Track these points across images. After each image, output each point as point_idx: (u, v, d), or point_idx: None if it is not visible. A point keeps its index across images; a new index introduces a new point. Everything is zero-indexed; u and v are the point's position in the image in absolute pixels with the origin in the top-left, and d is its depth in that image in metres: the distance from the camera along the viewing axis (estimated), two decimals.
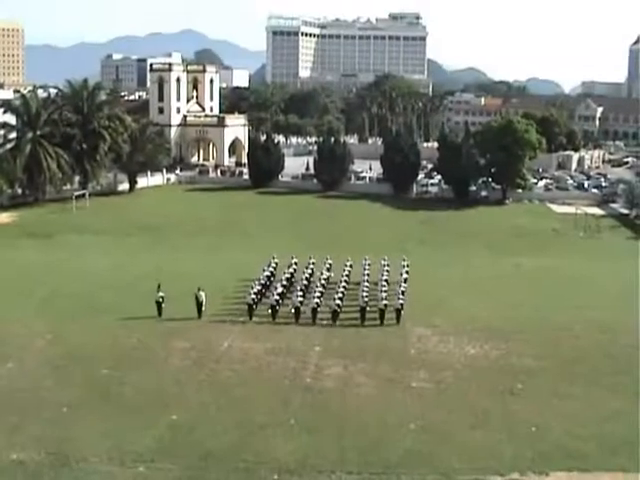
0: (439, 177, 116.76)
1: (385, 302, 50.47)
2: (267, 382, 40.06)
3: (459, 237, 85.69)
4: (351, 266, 59.97)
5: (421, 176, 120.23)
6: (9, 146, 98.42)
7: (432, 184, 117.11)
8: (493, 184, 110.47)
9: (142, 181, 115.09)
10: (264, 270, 58.26)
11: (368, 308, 50.28)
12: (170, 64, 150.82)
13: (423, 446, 33.37)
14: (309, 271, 59.05)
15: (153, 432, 34.28)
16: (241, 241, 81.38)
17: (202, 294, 50.44)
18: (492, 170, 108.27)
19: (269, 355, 43.61)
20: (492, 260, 74.45)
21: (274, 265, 60.16)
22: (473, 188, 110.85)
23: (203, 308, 50.26)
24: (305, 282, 56.41)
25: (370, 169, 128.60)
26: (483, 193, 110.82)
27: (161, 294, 50.23)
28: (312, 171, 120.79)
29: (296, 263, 60.62)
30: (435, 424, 35.61)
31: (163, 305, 50.05)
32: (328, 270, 59.34)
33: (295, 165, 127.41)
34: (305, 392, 39.06)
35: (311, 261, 60.64)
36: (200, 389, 39.46)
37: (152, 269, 64.37)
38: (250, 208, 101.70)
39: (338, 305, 50.57)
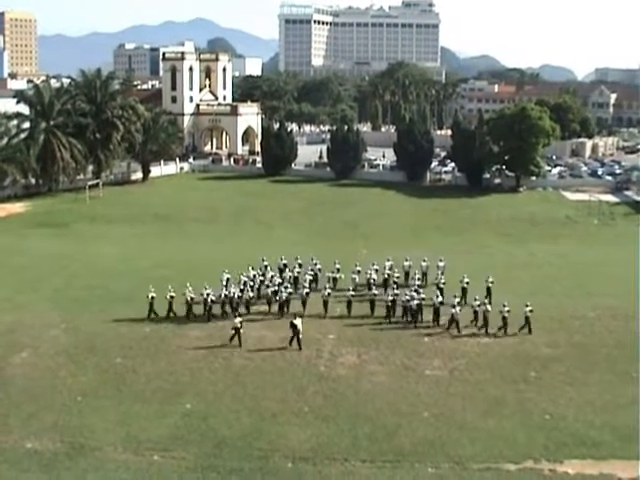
0: (452, 164, 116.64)
1: (439, 299, 48.06)
2: (281, 370, 40.05)
3: (473, 225, 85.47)
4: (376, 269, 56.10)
5: (434, 164, 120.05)
6: (23, 136, 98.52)
7: (446, 172, 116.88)
8: (507, 171, 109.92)
9: (155, 170, 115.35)
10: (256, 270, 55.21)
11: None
12: (183, 53, 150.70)
13: (436, 434, 33.34)
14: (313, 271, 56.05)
15: (167, 421, 34.39)
16: (254, 229, 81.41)
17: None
18: (506, 157, 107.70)
19: (283, 343, 43.54)
20: (506, 247, 74.24)
21: (264, 266, 56.30)
22: (487, 175, 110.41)
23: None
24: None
25: (383, 157, 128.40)
26: (497, 180, 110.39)
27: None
28: (325, 159, 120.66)
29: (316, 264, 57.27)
30: (449, 412, 35.56)
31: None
32: (338, 271, 56.05)
33: (308, 153, 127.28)
34: (319, 380, 39.04)
35: (315, 262, 57.53)
36: (214, 378, 39.48)
37: (165, 258, 64.59)
38: (263, 196, 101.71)
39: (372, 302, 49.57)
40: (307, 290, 50.56)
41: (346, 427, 33.98)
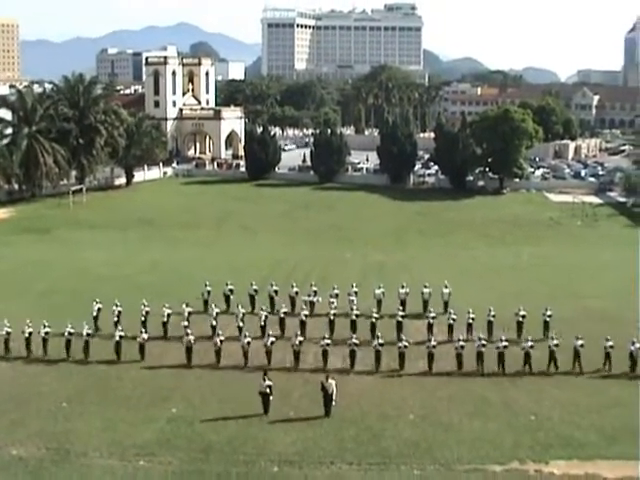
0: (436, 167, 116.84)
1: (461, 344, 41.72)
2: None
3: (457, 227, 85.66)
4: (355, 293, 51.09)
5: (418, 166, 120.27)
6: (5, 142, 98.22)
7: (429, 174, 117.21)
8: (490, 174, 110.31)
9: (139, 175, 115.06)
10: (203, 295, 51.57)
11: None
12: (165, 57, 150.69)
13: (422, 436, 33.47)
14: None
15: (153, 426, 34.37)
16: (238, 234, 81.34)
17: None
18: (489, 160, 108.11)
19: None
20: (490, 250, 74.45)
21: (207, 291, 51.77)
22: (470, 178, 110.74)
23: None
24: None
25: (367, 160, 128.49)
26: (480, 183, 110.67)
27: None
28: (309, 163, 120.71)
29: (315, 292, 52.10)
30: (434, 414, 35.71)
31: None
32: (315, 294, 51.65)
33: (292, 157, 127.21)
34: (304, 384, 39.11)
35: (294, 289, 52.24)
36: (200, 382, 39.52)
37: (149, 263, 64.53)
38: (247, 201, 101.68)
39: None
40: (272, 339, 42.27)
41: (332, 430, 34.07)
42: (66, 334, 42.78)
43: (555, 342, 41.19)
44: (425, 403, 36.91)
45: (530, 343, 41.32)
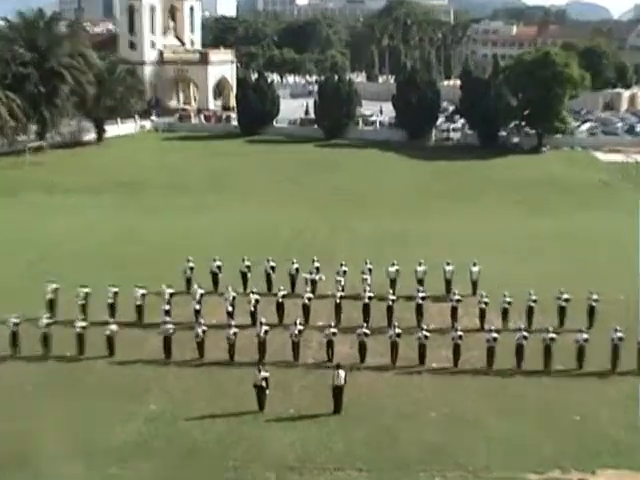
0: (462, 121, 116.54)
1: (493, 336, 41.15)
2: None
3: (485, 191, 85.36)
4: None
5: (441, 120, 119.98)
6: None
7: (454, 129, 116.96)
8: (527, 128, 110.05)
9: (111, 129, 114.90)
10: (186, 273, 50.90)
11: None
12: None
13: (446, 438, 33.42)
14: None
15: (127, 425, 34.28)
16: (230, 199, 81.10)
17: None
18: (525, 112, 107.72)
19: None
20: (527, 218, 74.10)
21: (190, 268, 51.34)
22: (503, 133, 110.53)
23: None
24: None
25: (381, 112, 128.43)
26: (515, 139, 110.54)
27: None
28: (312, 116, 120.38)
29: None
30: (460, 412, 35.67)
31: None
32: (317, 271, 50.86)
33: (292, 109, 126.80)
34: (306, 374, 39.15)
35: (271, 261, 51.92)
36: (183, 373, 39.52)
37: (125, 232, 64.45)
38: (240, 160, 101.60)
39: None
40: (265, 328, 41.58)
41: (339, 430, 34.02)
42: (11, 325, 41.64)
43: (619, 335, 40.52)
44: (449, 399, 36.83)
45: (585, 335, 40.64)
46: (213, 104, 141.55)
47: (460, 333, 40.99)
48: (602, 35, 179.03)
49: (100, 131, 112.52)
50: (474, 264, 51.15)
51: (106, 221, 70.19)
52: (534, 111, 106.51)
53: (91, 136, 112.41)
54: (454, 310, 45.89)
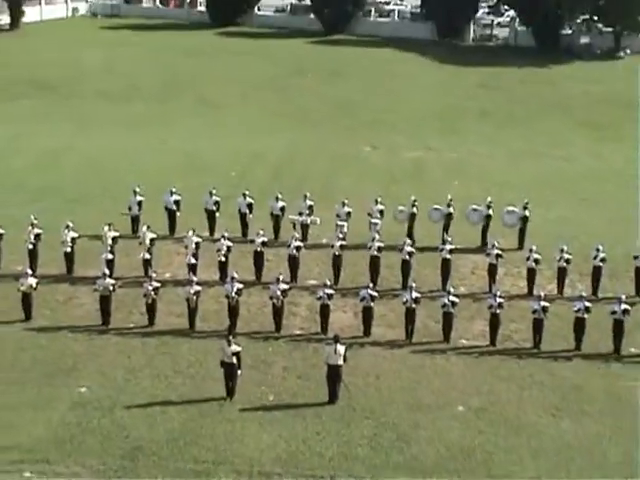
0: (511, 13, 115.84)
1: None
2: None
3: (542, 110, 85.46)
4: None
5: (482, 11, 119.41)
6: None
7: (500, 24, 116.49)
8: (600, 25, 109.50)
9: (32, 12, 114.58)
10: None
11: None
12: None
13: (476, 439, 33.57)
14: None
15: (49, 414, 34.23)
16: (196, 111, 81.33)
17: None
18: (599, 2, 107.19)
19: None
20: (596, 147, 74.22)
21: (138, 202, 51.69)
22: (568, 32, 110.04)
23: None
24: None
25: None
26: (583, 40, 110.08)
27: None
28: (308, 1, 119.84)
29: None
30: (496, 406, 35.83)
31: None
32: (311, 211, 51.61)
33: None
34: (292, 350, 39.39)
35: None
36: (125, 346, 39.61)
37: (48, 153, 64.47)
38: (209, 59, 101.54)
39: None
40: (238, 286, 41.14)
41: (335, 426, 34.08)
42: None
43: None
44: (482, 389, 37.00)
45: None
46: None
47: (500, 300, 40.99)
48: None
49: (16, 14, 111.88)
50: (524, 207, 51.14)
51: (21, 138, 70.22)
52: (610, 2, 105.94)
53: (4, 20, 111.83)
54: (492, 268, 46.04)
